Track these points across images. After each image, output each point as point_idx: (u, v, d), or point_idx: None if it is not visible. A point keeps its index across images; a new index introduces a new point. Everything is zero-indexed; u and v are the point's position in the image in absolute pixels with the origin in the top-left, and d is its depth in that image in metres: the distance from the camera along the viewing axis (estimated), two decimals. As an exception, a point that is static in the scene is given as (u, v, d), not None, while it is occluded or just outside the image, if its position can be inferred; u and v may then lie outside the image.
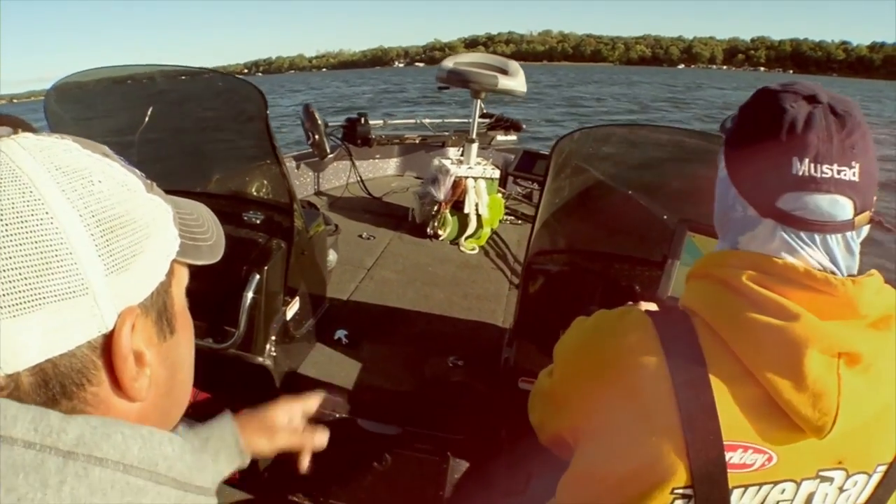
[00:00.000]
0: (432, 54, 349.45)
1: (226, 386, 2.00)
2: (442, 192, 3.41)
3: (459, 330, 2.50)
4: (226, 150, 2.40)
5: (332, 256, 2.77)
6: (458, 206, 3.46)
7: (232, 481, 1.95)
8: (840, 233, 0.76)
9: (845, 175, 0.74)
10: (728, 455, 0.75)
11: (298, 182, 4.07)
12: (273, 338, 1.95)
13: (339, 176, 4.33)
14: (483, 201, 3.47)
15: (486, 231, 3.52)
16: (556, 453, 1.04)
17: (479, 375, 2.16)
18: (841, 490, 0.79)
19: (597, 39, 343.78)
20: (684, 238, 1.48)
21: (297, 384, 2.04)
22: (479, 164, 3.56)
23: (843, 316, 0.75)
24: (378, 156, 4.61)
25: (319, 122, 3.86)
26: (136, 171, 0.53)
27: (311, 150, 3.99)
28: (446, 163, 3.50)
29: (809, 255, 0.77)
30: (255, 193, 2.25)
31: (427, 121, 4.82)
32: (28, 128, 0.50)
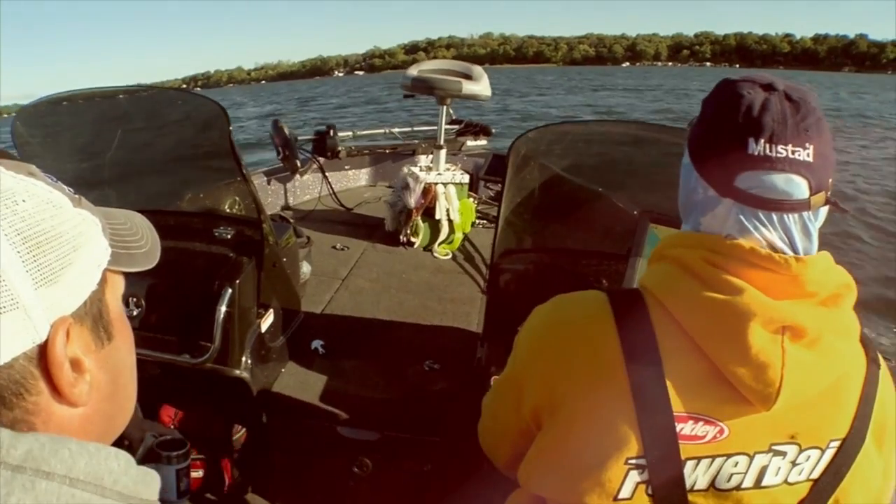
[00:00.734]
0: (372, 62, 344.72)
1: (204, 400, 2.00)
2: (412, 200, 3.44)
3: (435, 334, 2.52)
4: (193, 167, 2.41)
5: (305, 268, 2.78)
6: (429, 213, 3.49)
7: (212, 489, 1.95)
8: (797, 212, 0.79)
9: (799, 155, 0.77)
10: (679, 426, 0.78)
11: (270, 197, 4.07)
12: (248, 350, 1.96)
13: (311, 189, 4.34)
14: (454, 207, 3.50)
15: (459, 236, 3.55)
16: (514, 478, 1.05)
17: (454, 378, 2.18)
18: (794, 464, 0.81)
19: (539, 40, 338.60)
20: (647, 229, 1.50)
21: (274, 395, 2.05)
22: (448, 169, 3.60)
23: (792, 294, 0.78)
24: (349, 167, 4.62)
25: (289, 136, 3.87)
26: (64, 187, 0.54)
27: (281, 164, 4.00)
28: (415, 170, 3.53)
29: (765, 234, 0.79)
30: (225, 209, 2.26)
31: (396, 130, 4.85)
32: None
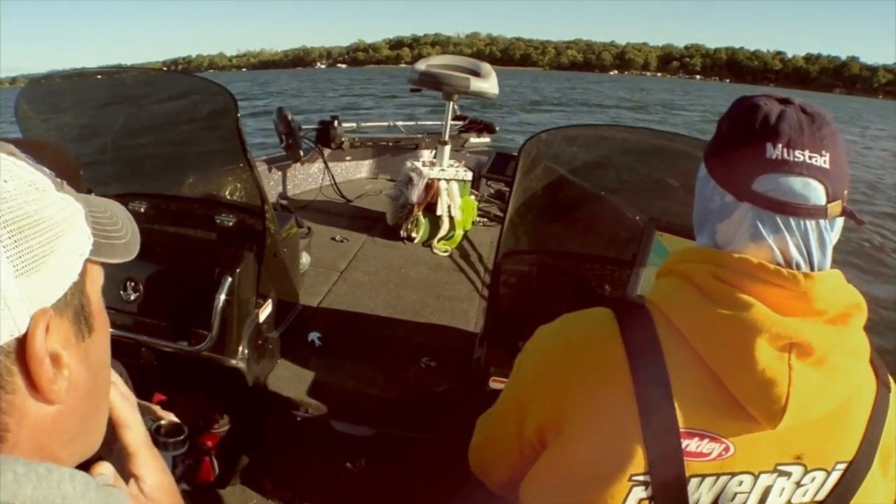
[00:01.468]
0: (355, 55, 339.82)
1: (199, 389, 1.99)
2: (415, 195, 3.43)
3: (432, 332, 2.51)
4: (197, 153, 2.39)
5: (305, 259, 2.77)
6: (430, 209, 3.48)
7: (205, 482, 1.94)
8: (813, 219, 0.78)
9: (816, 161, 0.77)
10: (685, 442, 0.78)
11: (271, 185, 4.06)
12: (246, 340, 1.95)
13: (312, 179, 4.32)
14: (455, 203, 3.49)
15: (459, 233, 3.54)
16: (509, 496, 1.05)
17: (451, 376, 2.17)
18: (798, 485, 0.81)
19: (526, 43, 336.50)
20: (653, 237, 1.50)
21: (269, 386, 2.04)
22: (451, 166, 3.59)
23: (800, 311, 0.77)
24: (351, 158, 4.61)
25: (293, 124, 3.85)
26: (45, 169, 0.51)
27: (284, 153, 3.98)
28: (419, 165, 3.52)
29: (781, 241, 0.79)
30: (227, 196, 2.24)
31: (400, 123, 4.83)
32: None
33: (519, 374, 0.99)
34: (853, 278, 0.80)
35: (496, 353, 1.72)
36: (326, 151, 4.23)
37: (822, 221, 0.78)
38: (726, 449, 0.78)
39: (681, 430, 0.78)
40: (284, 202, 3.92)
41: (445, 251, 3.42)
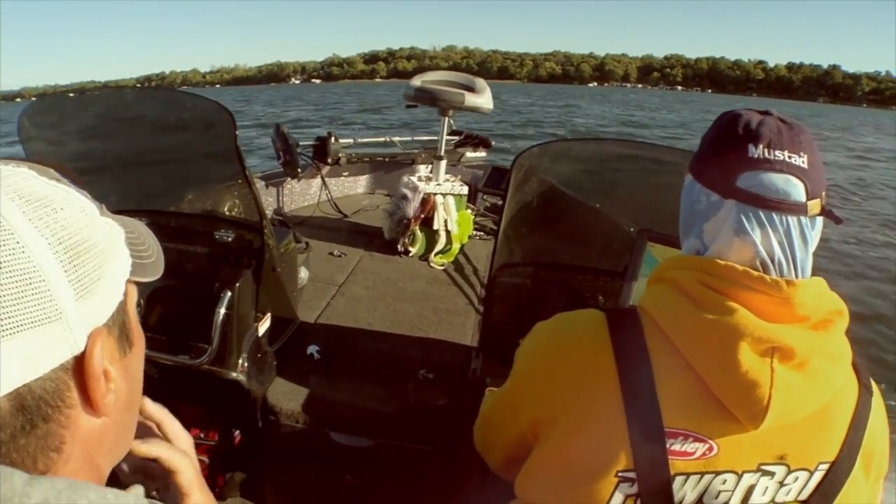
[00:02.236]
0: (330, 70, 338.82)
1: (199, 401, 2.01)
2: (411, 209, 3.46)
3: (429, 344, 2.53)
4: (196, 169, 2.42)
5: (303, 273, 2.79)
6: (427, 223, 3.51)
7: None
8: (795, 215, 0.81)
9: (795, 161, 0.81)
10: (669, 441, 0.80)
11: (269, 201, 4.08)
12: (245, 353, 1.97)
13: (309, 195, 4.35)
14: (452, 217, 3.52)
15: (456, 247, 3.56)
16: (506, 476, 1.09)
17: (448, 388, 2.19)
18: (781, 485, 0.83)
19: (503, 55, 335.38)
20: (645, 248, 1.52)
21: (268, 399, 2.06)
22: (447, 180, 3.62)
23: (783, 317, 0.80)
24: (348, 174, 4.64)
25: (290, 141, 3.88)
26: (87, 193, 0.54)
27: (281, 168, 4.01)
28: (415, 180, 3.55)
29: (765, 237, 0.82)
30: (225, 212, 2.27)
31: (397, 139, 4.87)
32: None
33: (516, 368, 1.03)
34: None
35: (491, 365, 1.74)
36: (324, 167, 4.26)
37: (803, 218, 0.82)
38: (710, 448, 0.81)
39: (666, 429, 0.80)
40: (282, 217, 3.95)
41: (442, 265, 3.45)
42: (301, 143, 4.10)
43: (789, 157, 0.81)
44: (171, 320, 1.92)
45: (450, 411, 2.07)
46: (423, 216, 3.49)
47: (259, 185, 3.93)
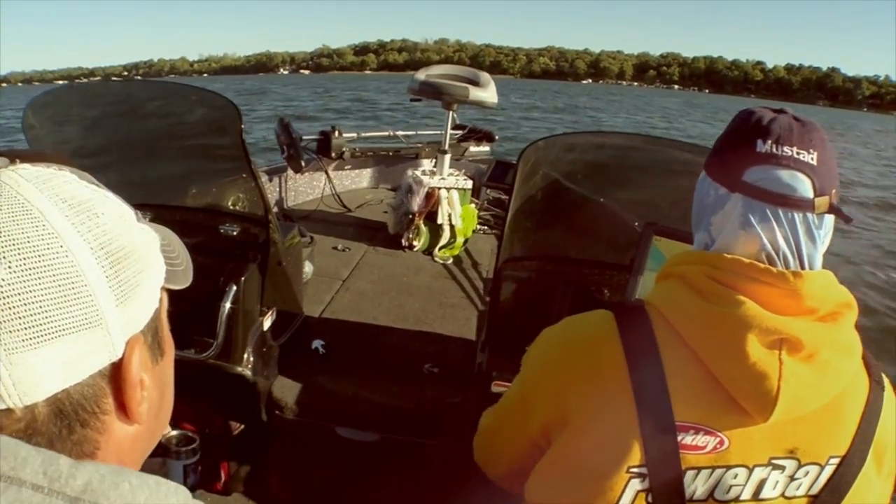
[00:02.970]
0: (319, 61, 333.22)
1: (205, 396, 2.01)
2: (415, 204, 3.46)
3: (434, 338, 2.53)
4: (200, 163, 2.42)
5: (307, 268, 2.79)
6: (431, 217, 3.51)
7: (212, 490, 1.96)
8: (801, 210, 0.81)
9: (804, 157, 0.81)
10: (681, 436, 0.80)
11: (273, 195, 4.07)
12: (251, 347, 1.97)
13: (313, 189, 4.35)
14: (456, 212, 3.52)
15: (460, 241, 3.57)
16: (508, 488, 1.10)
17: (454, 382, 2.19)
18: (792, 479, 0.83)
19: (497, 50, 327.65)
20: (651, 242, 1.52)
21: (274, 393, 2.06)
22: (451, 174, 3.62)
23: (791, 309, 0.80)
24: (352, 168, 4.63)
25: (294, 135, 3.88)
26: (121, 198, 0.53)
27: (285, 162, 4.01)
28: (419, 174, 3.55)
29: (770, 231, 0.82)
30: (230, 206, 2.27)
31: (401, 133, 4.85)
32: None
33: (524, 373, 1.03)
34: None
35: (497, 359, 1.74)
36: (327, 161, 4.26)
37: (809, 215, 0.82)
38: (721, 442, 0.81)
39: (677, 423, 0.80)
40: (286, 212, 3.94)
41: (446, 259, 3.45)
42: (304, 137, 4.09)
43: (798, 154, 0.81)
44: (177, 315, 1.91)
45: (455, 405, 2.07)
46: (427, 210, 3.48)
47: (263, 178, 3.92)
